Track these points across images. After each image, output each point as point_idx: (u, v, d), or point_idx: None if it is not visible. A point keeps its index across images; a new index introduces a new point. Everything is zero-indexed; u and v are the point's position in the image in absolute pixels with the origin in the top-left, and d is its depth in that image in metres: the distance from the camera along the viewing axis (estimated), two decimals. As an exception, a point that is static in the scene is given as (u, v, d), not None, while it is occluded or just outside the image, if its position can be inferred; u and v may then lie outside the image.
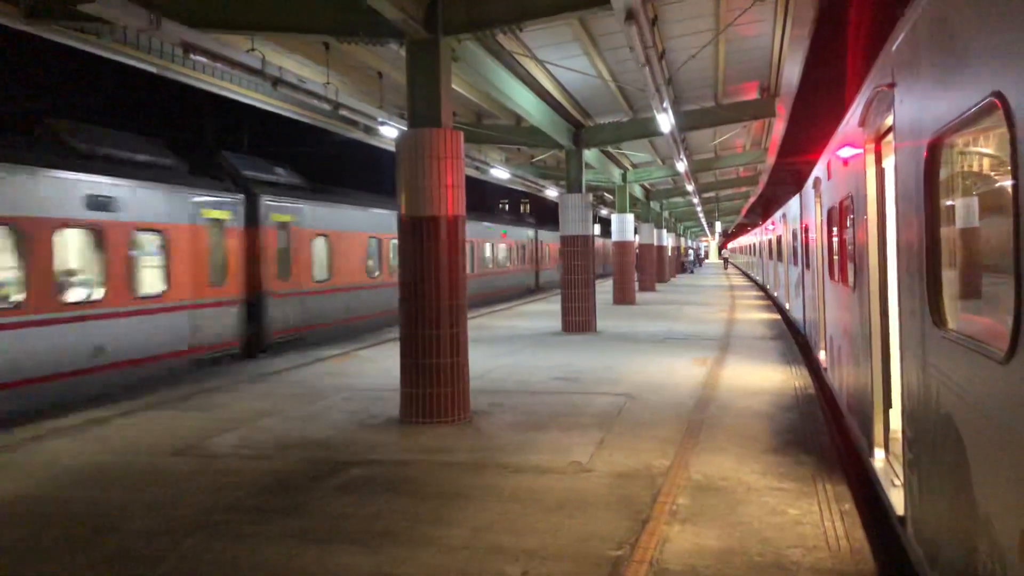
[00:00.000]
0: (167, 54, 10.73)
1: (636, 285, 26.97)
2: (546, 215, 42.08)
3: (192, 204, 12.80)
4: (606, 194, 33.76)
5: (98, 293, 10.97)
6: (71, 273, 10.70)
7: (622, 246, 25.29)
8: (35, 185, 9.97)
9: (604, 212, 40.32)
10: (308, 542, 4.88)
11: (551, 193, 29.02)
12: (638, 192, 30.83)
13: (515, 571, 4.38)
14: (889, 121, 4.60)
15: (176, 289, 12.28)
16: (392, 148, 17.40)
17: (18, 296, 9.75)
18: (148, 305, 11.73)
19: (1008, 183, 2.50)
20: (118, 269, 11.24)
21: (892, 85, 4.37)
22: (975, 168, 3.35)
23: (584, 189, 17.47)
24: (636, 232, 29.91)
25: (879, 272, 5.51)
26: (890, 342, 5.28)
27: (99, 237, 10.95)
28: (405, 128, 8.70)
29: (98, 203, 10.84)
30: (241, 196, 14.23)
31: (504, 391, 9.84)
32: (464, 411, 8.34)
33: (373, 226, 19.16)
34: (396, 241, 19.63)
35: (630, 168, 26.37)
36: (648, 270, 32.84)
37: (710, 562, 4.43)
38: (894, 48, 4.33)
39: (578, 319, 16.87)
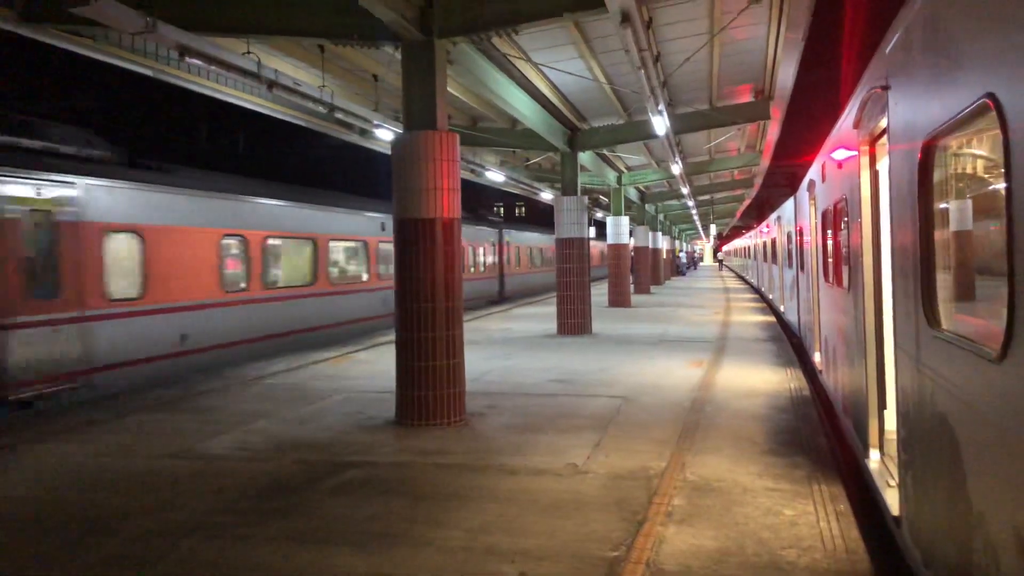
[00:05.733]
0: (163, 57, 10.74)
1: (631, 288, 26.99)
2: (533, 216, 41.46)
3: None
4: (601, 197, 33.81)
5: None
6: None
7: (617, 249, 25.33)
8: None
9: (599, 215, 40.37)
10: (305, 543, 4.88)
11: (546, 196, 29.05)
12: (633, 195, 30.91)
13: (512, 572, 4.38)
14: (883, 123, 4.63)
15: None
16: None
17: None
18: None
19: (1001, 184, 2.52)
20: None
21: (886, 87, 4.40)
22: (969, 170, 3.37)
23: (579, 192, 17.50)
24: (631, 235, 29.95)
25: (873, 274, 5.53)
26: (884, 343, 5.30)
27: None
28: (400, 131, 8.70)
29: None
30: None
31: (500, 393, 9.85)
32: (460, 413, 8.35)
33: (231, 220, 14.07)
34: (276, 241, 15.48)
35: (625, 171, 26.43)
36: (643, 273, 32.90)
37: (706, 563, 4.44)
38: (888, 50, 4.36)
39: (573, 321, 16.89)
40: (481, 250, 29.09)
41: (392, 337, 8.83)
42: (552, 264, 17.17)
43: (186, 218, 12.88)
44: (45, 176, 10.31)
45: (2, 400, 9.49)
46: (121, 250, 11.61)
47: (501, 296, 31.24)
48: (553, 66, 12.67)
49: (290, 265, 16.05)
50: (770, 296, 24.20)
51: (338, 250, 17.73)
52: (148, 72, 10.82)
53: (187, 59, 9.09)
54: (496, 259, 31.02)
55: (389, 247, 19.37)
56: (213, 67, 9.72)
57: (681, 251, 70.30)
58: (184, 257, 12.78)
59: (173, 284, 12.51)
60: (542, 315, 21.28)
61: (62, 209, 10.50)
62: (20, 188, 9.96)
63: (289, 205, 15.96)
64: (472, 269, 27.87)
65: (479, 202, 38.08)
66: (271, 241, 15.26)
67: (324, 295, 16.95)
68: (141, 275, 11.93)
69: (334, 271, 17.54)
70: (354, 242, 18.58)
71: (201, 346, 13.05)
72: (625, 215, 25.97)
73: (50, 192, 10.35)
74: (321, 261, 16.88)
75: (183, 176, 13.49)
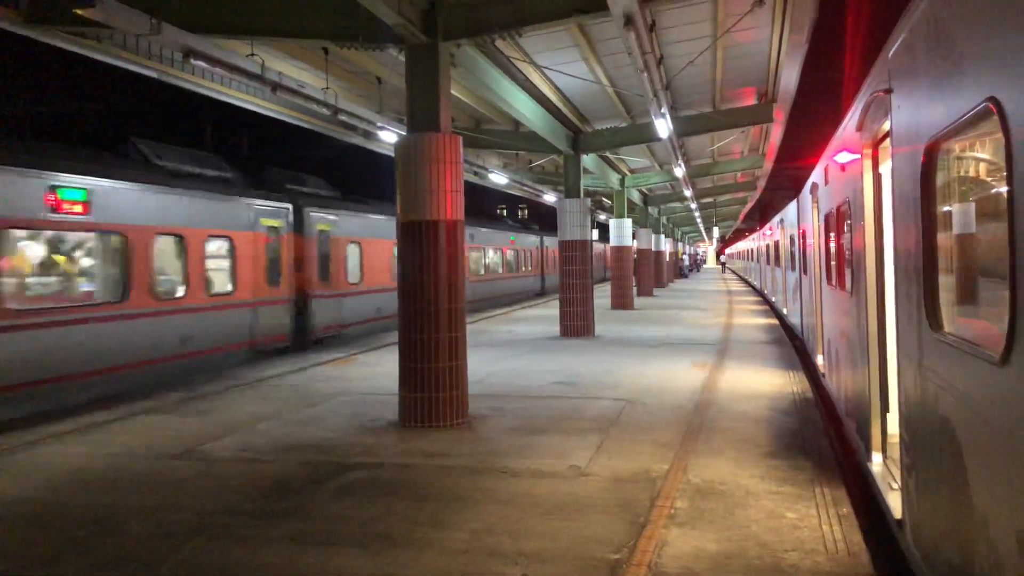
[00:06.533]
0: (167, 59, 10.77)
1: (634, 290, 26.98)
2: (551, 221, 42.15)
3: (253, 213, 14.44)
4: (604, 199, 33.83)
5: (180, 291, 12.49)
6: (162, 273, 12.21)
7: (620, 251, 25.34)
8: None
9: (602, 217, 40.38)
10: (308, 545, 4.89)
11: (549, 198, 29.08)
12: (636, 197, 30.91)
13: (514, 574, 4.39)
14: (886, 126, 4.62)
15: (241, 289, 13.95)
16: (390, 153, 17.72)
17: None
18: (217, 302, 13.36)
19: (1003, 187, 2.52)
20: (196, 271, 12.74)
21: (889, 90, 4.40)
22: (971, 173, 3.37)
23: (582, 194, 17.52)
24: (634, 237, 29.95)
25: (876, 276, 5.53)
26: (887, 346, 5.30)
27: (180, 243, 12.43)
28: (404, 133, 8.72)
29: (177, 213, 12.36)
30: (290, 206, 15.68)
31: (503, 395, 9.86)
32: (463, 415, 8.36)
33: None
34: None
35: (628, 173, 26.43)
36: (646, 275, 32.90)
37: (708, 565, 4.44)
38: (891, 54, 4.36)
39: (576, 324, 16.90)
40: (529, 254, 35.64)
41: (395, 339, 8.85)
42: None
43: (378, 232, 19.45)
44: (331, 212, 17.27)
45: (315, 340, 16.16)
46: (352, 253, 18.18)
47: (542, 291, 37.37)
48: (556, 68, 12.68)
49: None
50: (773, 299, 24.18)
51: None
52: (153, 74, 10.84)
53: (192, 61, 9.12)
54: (539, 261, 37.66)
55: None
56: (218, 69, 9.75)
57: (684, 253, 70.27)
58: (377, 258, 19.33)
59: (373, 276, 19.10)
60: (546, 317, 21.29)
61: (330, 230, 17.12)
62: (322, 222, 16.82)
63: None
64: (523, 269, 34.59)
65: (483, 205, 39.22)
66: None
67: None
68: (360, 269, 18.49)
69: None
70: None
71: (385, 315, 19.16)
72: (628, 217, 25.98)
73: (330, 221, 17.17)
74: None
75: (358, 202, 19.74)
